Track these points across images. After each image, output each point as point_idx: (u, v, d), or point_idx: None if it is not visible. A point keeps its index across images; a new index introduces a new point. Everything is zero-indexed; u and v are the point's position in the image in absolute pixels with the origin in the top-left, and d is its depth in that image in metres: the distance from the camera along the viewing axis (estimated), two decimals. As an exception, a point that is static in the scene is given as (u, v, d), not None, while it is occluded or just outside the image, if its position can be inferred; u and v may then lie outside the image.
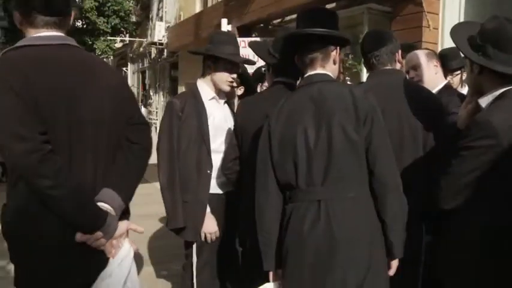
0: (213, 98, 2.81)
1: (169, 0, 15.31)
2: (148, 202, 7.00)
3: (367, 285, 1.79)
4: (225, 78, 2.78)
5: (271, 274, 2.01)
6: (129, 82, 22.11)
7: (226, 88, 2.82)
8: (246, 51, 7.82)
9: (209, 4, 11.67)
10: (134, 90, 21.60)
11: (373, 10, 5.45)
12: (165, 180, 2.68)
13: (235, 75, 2.83)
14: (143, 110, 18.77)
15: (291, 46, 2.09)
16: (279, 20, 8.06)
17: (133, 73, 21.78)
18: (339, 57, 2.04)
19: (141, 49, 18.79)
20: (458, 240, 1.85)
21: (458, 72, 3.44)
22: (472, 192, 1.81)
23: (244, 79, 3.41)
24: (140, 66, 20.21)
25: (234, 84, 2.90)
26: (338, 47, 2.03)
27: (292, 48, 2.09)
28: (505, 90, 1.85)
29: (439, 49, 4.20)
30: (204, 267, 2.81)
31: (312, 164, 1.85)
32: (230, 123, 2.85)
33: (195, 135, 2.71)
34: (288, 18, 7.74)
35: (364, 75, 5.59)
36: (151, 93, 17.89)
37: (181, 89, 13.83)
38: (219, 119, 2.82)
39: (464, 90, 3.46)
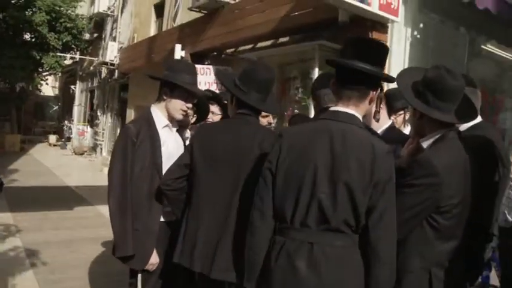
0: (166, 125, 2.77)
1: (123, 21, 15.15)
2: (91, 225, 6.77)
3: None
4: (179, 107, 2.74)
5: None
6: (77, 101, 21.53)
7: (179, 117, 2.78)
8: (198, 78, 7.81)
9: (164, 28, 11.63)
10: (81, 109, 21.02)
11: (324, 47, 5.59)
12: (116, 206, 2.59)
13: (190, 105, 2.80)
14: (89, 130, 18.26)
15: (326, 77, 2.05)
16: (232, 50, 8.11)
17: (82, 92, 21.22)
18: (376, 97, 1.95)
19: (92, 68, 18.39)
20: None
21: (402, 112, 3.57)
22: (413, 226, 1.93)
23: (199, 107, 3.36)
24: (89, 85, 19.73)
25: (189, 112, 2.87)
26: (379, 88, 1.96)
27: (326, 78, 2.07)
28: (444, 133, 2.00)
29: (385, 89, 4.33)
30: None
31: (311, 208, 1.81)
32: (182, 151, 2.78)
33: (148, 162, 2.66)
34: (241, 48, 7.81)
35: (313, 109, 5.69)
36: (98, 114, 17.43)
37: (130, 111, 13.57)
38: (172, 147, 2.77)
39: (407, 130, 3.59)
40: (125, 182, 2.60)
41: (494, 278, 4.29)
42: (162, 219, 2.72)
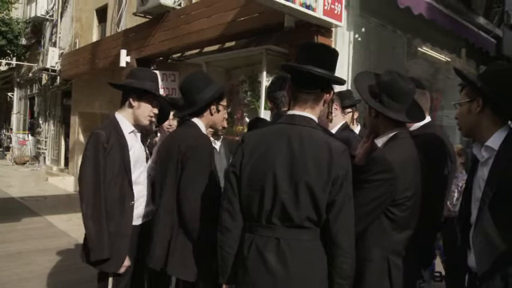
0: (132, 131, 2.88)
1: (64, 25, 14.69)
2: (41, 236, 6.55)
3: None
4: (147, 113, 2.88)
5: (225, 287, 2.11)
6: (15, 109, 20.60)
7: (146, 122, 2.91)
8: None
9: (107, 33, 11.40)
10: (20, 117, 20.13)
11: (271, 51, 5.72)
12: (91, 210, 2.66)
13: (156, 110, 2.93)
14: (31, 138, 17.53)
15: (282, 79, 2.13)
16: (178, 55, 8.11)
17: (20, 99, 20.32)
18: (329, 99, 2.08)
19: (31, 74, 17.67)
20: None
21: (350, 111, 3.78)
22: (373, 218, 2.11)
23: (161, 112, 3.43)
24: (28, 92, 18.92)
25: (153, 119, 2.97)
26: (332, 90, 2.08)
27: (282, 80, 2.13)
28: (397, 132, 2.20)
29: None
30: None
31: (275, 207, 1.92)
32: (145, 155, 3.00)
33: (118, 167, 2.75)
34: (188, 53, 7.83)
35: (262, 112, 5.81)
36: (40, 122, 16.78)
37: (74, 118, 13.19)
38: (138, 152, 2.91)
39: (356, 128, 3.80)
40: (99, 186, 2.67)
41: (438, 265, 4.57)
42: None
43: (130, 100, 2.85)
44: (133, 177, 2.84)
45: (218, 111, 2.82)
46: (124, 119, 2.86)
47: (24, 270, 5.08)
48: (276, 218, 1.92)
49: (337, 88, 5.02)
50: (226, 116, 2.94)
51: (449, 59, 8.07)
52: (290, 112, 2.04)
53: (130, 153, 2.82)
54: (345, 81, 2.17)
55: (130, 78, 2.87)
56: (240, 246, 2.02)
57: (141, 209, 2.90)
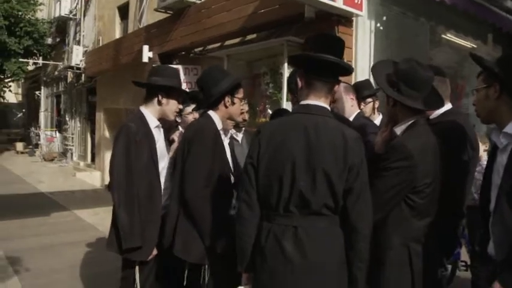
0: (157, 126, 2.99)
1: (87, 24, 14.94)
2: (71, 230, 6.75)
3: None
4: (175, 109, 3.01)
5: (244, 276, 2.16)
6: (42, 106, 21.09)
7: (173, 117, 3.05)
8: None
9: (130, 30, 11.55)
10: (48, 115, 20.60)
11: (292, 42, 5.71)
12: (123, 199, 2.76)
13: (181, 106, 3.08)
14: (58, 135, 17.93)
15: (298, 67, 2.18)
16: (200, 49, 8.16)
17: (47, 97, 20.78)
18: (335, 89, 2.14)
19: (56, 73, 18.04)
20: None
21: (370, 100, 3.77)
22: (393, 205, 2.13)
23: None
24: (55, 91, 19.33)
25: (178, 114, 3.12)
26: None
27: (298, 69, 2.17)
28: (416, 120, 2.19)
29: (353, 81, 4.50)
30: (145, 284, 2.93)
31: (293, 196, 1.95)
32: (168, 149, 3.11)
33: (147, 159, 2.86)
34: (209, 47, 7.87)
35: (284, 103, 5.82)
36: (66, 119, 17.14)
37: (99, 114, 13.42)
38: (162, 145, 3.02)
39: (377, 118, 3.78)
40: (130, 176, 2.78)
41: (464, 254, 4.53)
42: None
43: (159, 97, 2.95)
44: (159, 169, 2.95)
45: (233, 103, 2.87)
46: (150, 114, 2.97)
47: (55, 262, 5.25)
48: (293, 206, 1.95)
49: (358, 78, 5.00)
50: (244, 108, 2.99)
51: (474, 46, 7.90)
52: (304, 102, 2.06)
53: (157, 146, 2.93)
54: (353, 69, 2.19)
55: (156, 76, 2.97)
56: (258, 235, 2.05)
57: (164, 201, 2.99)
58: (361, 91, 3.54)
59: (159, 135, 3.00)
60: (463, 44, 7.65)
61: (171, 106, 2.99)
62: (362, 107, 3.57)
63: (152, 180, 2.88)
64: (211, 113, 2.86)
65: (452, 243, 2.69)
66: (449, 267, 3.49)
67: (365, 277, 2.00)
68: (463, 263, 4.40)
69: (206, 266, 2.73)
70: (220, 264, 2.67)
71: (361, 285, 2.00)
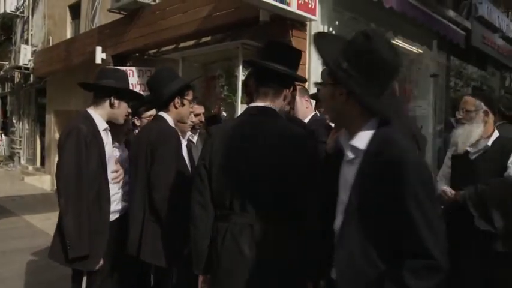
0: (105, 128, 2.88)
1: (36, 22, 14.45)
2: (20, 236, 6.49)
3: None
4: (125, 112, 2.95)
5: (201, 278, 2.18)
6: (-13, 108, 20.16)
7: (122, 121, 2.96)
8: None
9: (81, 30, 11.28)
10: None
11: (246, 45, 5.78)
12: (70, 205, 2.61)
13: (129, 109, 3.02)
14: (4, 138, 17.21)
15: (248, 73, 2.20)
16: (155, 51, 8.10)
17: (-8, 98, 19.91)
18: (289, 94, 2.18)
19: (2, 73, 17.31)
20: None
21: None
22: None
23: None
24: (0, 91, 18.55)
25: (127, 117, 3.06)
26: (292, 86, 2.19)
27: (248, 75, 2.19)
28: None
29: (307, 84, 4.61)
30: None
31: (246, 194, 2.00)
32: (115, 152, 3.03)
33: (96, 163, 2.74)
34: (164, 48, 7.83)
35: (239, 106, 5.88)
36: (14, 121, 16.49)
37: (49, 116, 13.01)
38: (109, 149, 2.90)
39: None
40: (80, 181, 2.63)
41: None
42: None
43: (111, 99, 2.86)
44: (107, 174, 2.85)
45: (183, 104, 2.91)
46: (98, 116, 2.86)
47: (5, 270, 5.06)
48: (248, 204, 2.00)
49: (312, 80, 5.12)
50: (199, 110, 2.99)
51: (421, 51, 8.26)
52: (252, 104, 2.14)
53: (105, 150, 2.84)
54: (305, 79, 2.27)
55: (107, 78, 2.90)
56: (214, 236, 2.08)
57: (114, 206, 2.91)
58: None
59: (107, 139, 2.89)
60: (410, 49, 7.98)
61: (122, 109, 2.93)
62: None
63: (101, 185, 2.77)
64: (163, 114, 2.89)
65: None
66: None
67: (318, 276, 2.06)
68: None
69: (175, 269, 2.74)
70: (185, 268, 2.67)
71: (313, 278, 2.06)
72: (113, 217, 2.89)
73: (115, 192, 2.94)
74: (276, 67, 2.05)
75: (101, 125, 2.85)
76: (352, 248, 1.61)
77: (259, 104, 2.10)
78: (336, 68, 1.63)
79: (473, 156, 3.12)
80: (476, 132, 3.08)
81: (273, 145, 1.99)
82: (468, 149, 3.14)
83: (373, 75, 1.60)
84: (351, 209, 1.63)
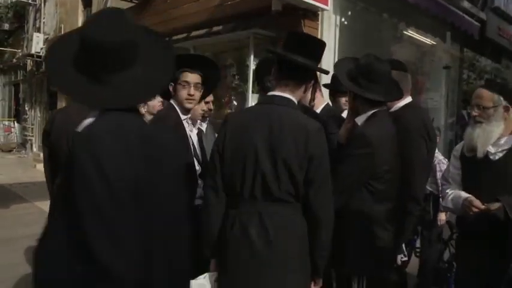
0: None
1: (48, 10, 14.52)
2: (32, 223, 6.50)
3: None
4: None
5: (212, 262, 2.19)
6: None
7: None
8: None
9: (93, 18, 11.30)
10: (5, 104, 19.91)
11: (258, 35, 5.76)
12: None
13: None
14: (17, 125, 17.38)
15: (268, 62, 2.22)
16: (166, 39, 8.09)
17: (4, 86, 20.07)
18: (310, 86, 2.18)
19: (15, 60, 17.44)
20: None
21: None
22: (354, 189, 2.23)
23: None
24: (13, 79, 18.70)
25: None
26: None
27: (269, 63, 2.23)
28: (375, 111, 2.32)
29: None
30: None
31: (256, 182, 1.99)
32: None
33: None
34: (175, 37, 7.82)
35: (250, 95, 5.87)
36: (26, 108, 16.64)
37: (60, 104, 13.10)
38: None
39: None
40: None
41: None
42: None
43: None
44: None
45: (176, 89, 2.84)
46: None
47: (14, 256, 5.11)
48: (257, 191, 2.00)
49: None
50: (192, 94, 2.86)
51: (434, 42, 8.17)
52: (271, 93, 2.13)
53: None
54: (327, 72, 2.26)
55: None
56: (224, 222, 2.10)
57: None
58: (337, 83, 3.61)
59: None
60: (423, 40, 7.90)
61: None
62: (344, 99, 3.63)
63: None
64: (172, 101, 2.87)
65: (411, 230, 2.82)
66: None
67: (326, 264, 2.08)
68: (418, 249, 4.59)
69: None
70: None
71: (321, 273, 2.08)
72: None
73: None
74: (298, 60, 2.04)
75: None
76: None
77: (278, 93, 2.10)
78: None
79: (496, 157, 2.56)
80: (497, 132, 2.57)
81: (284, 136, 1.99)
82: (488, 149, 2.61)
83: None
84: None
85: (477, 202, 2.37)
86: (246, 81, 6.19)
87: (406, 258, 3.02)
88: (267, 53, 2.34)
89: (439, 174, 4.24)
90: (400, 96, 2.55)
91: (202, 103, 3.27)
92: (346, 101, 3.87)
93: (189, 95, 2.79)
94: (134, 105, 1.56)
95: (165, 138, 1.64)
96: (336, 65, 2.48)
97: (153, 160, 1.48)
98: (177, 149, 1.98)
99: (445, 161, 4.06)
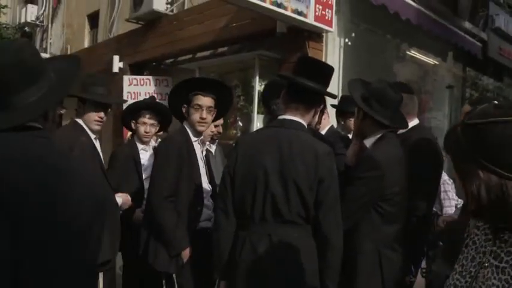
0: (94, 138, 2.99)
1: (54, 31, 14.70)
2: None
3: None
4: (92, 118, 2.95)
5: (222, 283, 2.22)
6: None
7: (95, 127, 2.98)
8: (137, 89, 7.83)
9: (99, 39, 11.44)
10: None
11: (263, 56, 5.84)
12: None
13: (102, 114, 2.99)
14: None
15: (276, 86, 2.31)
16: (171, 60, 8.20)
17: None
18: (319, 110, 2.27)
19: (21, 80, 17.57)
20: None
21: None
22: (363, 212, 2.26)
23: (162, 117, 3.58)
24: (19, 99, 18.80)
25: (103, 121, 3.05)
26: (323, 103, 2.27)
27: (276, 87, 2.31)
28: (384, 133, 2.38)
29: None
30: None
31: (267, 204, 2.04)
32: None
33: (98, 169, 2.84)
34: (181, 58, 7.92)
35: (255, 116, 5.92)
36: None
37: (65, 123, 13.16)
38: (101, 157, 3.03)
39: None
40: None
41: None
42: None
43: (79, 107, 3.01)
44: None
45: (189, 112, 2.91)
46: (84, 125, 3.02)
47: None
48: (268, 213, 2.05)
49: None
50: (204, 117, 2.90)
51: (437, 62, 8.25)
52: (281, 117, 2.18)
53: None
54: (335, 96, 2.32)
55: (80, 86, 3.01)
56: (234, 243, 2.13)
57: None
58: (345, 104, 3.67)
59: (98, 146, 3.06)
60: (426, 60, 7.97)
61: (87, 116, 2.98)
62: (350, 120, 3.68)
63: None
64: (185, 123, 2.95)
65: (419, 250, 2.83)
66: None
67: (336, 287, 2.09)
68: (424, 269, 4.56)
69: (174, 275, 2.78)
70: (189, 273, 2.71)
71: None
72: None
73: None
74: (309, 85, 2.10)
75: (91, 134, 2.99)
76: None
77: (288, 116, 2.14)
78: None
79: None
80: None
81: (294, 159, 2.03)
82: None
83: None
84: None
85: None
86: (251, 102, 6.24)
87: (414, 279, 3.02)
88: (278, 77, 2.39)
89: (443, 195, 4.26)
90: (406, 127, 2.60)
91: (212, 125, 3.32)
92: None
93: (201, 118, 2.84)
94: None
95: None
96: (350, 84, 2.52)
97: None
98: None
99: (450, 181, 4.08)
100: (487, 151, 1.00)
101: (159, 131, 3.83)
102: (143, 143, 3.51)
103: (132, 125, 3.46)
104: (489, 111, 1.04)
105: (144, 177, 3.42)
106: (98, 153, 2.93)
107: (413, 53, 7.72)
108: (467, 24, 8.06)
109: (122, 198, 2.98)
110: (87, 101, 2.95)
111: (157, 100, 6.26)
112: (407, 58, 7.76)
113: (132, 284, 3.51)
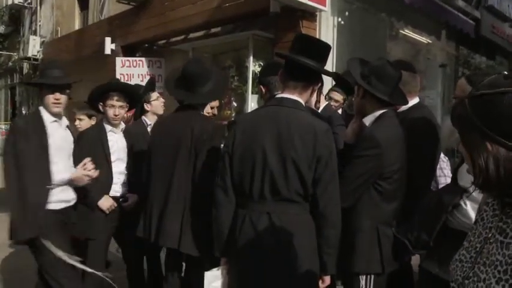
0: (54, 120, 3.07)
1: (44, 13, 14.49)
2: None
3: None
4: (50, 101, 3.02)
5: (222, 260, 2.26)
6: (-4, 99, 20.29)
7: (55, 109, 3.05)
8: (130, 71, 7.79)
9: (90, 21, 11.31)
10: (1, 108, 19.85)
11: (257, 36, 5.81)
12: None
13: (58, 95, 3.05)
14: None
15: (275, 65, 2.31)
16: (164, 41, 8.14)
17: (1, 89, 20.01)
18: (317, 89, 2.27)
19: (10, 64, 17.39)
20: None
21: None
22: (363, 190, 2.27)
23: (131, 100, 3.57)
24: (9, 82, 18.63)
25: (61, 103, 3.08)
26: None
27: (275, 66, 2.31)
28: (383, 112, 2.36)
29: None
30: None
31: (265, 182, 2.06)
32: (69, 143, 3.19)
33: (39, 153, 2.91)
34: (173, 39, 7.87)
35: (249, 96, 5.93)
36: (23, 112, 16.59)
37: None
38: (59, 139, 3.07)
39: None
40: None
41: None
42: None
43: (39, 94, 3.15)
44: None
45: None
46: (44, 110, 3.07)
47: (15, 260, 5.08)
48: (266, 192, 2.07)
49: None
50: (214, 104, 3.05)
51: (429, 41, 8.26)
52: (279, 95, 2.20)
53: (50, 140, 3.00)
54: (335, 75, 2.33)
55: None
56: (234, 221, 2.17)
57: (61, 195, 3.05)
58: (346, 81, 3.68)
59: (55, 129, 3.08)
60: (419, 39, 7.98)
61: (46, 100, 3.05)
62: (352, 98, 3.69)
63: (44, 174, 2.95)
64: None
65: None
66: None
67: (335, 262, 2.13)
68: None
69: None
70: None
71: (331, 271, 2.14)
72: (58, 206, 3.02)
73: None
74: (308, 63, 2.10)
75: (48, 118, 3.05)
76: None
77: (286, 95, 2.16)
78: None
79: None
80: None
81: (292, 137, 2.05)
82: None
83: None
84: None
85: None
86: (245, 82, 6.24)
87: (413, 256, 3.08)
88: (276, 56, 2.39)
89: (438, 172, 4.31)
90: (405, 104, 2.61)
91: (208, 107, 3.32)
92: None
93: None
94: None
95: None
96: (350, 62, 2.51)
97: None
98: None
99: (445, 159, 4.13)
100: (495, 122, 0.97)
101: (128, 111, 3.80)
102: (112, 125, 3.47)
103: (100, 107, 3.44)
104: (497, 82, 1.01)
105: (112, 160, 3.38)
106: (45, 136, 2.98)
107: (407, 31, 7.72)
108: (460, 3, 8.06)
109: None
110: (44, 86, 3.05)
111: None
112: (401, 37, 7.76)
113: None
